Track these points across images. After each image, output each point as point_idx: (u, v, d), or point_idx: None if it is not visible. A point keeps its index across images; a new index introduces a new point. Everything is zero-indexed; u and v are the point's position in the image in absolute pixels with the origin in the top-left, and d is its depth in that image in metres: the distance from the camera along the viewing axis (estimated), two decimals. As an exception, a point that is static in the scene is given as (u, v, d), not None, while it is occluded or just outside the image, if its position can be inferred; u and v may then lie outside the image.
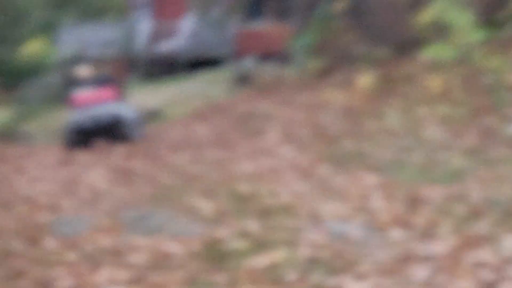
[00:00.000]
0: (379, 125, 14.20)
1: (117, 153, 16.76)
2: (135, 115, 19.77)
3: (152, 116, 30.27)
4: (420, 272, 7.06)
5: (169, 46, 39.80)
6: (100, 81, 20.34)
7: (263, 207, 9.80)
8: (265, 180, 12.27)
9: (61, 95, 38.46)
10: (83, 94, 19.37)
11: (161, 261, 8.12)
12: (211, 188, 11.52)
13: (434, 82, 14.45)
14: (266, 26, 36.77)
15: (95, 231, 9.76)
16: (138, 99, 34.65)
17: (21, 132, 32.58)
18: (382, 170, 11.37)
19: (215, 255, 8.03)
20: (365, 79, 16.46)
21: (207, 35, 38.63)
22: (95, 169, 15.30)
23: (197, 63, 38.91)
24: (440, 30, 16.87)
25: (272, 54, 33.42)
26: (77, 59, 38.07)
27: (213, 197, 10.64)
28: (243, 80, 33.87)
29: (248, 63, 37.57)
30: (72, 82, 21.71)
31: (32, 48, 47.17)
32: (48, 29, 48.90)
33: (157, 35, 40.24)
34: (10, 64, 36.45)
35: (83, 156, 17.10)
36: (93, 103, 18.79)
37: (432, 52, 14.21)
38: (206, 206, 10.14)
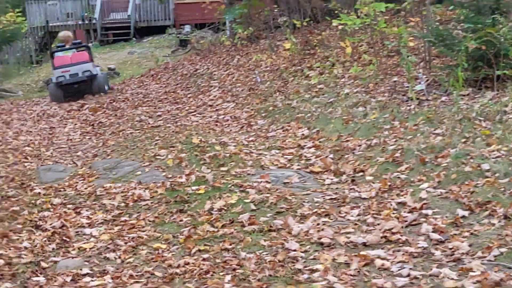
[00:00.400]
0: (303, 84, 13.87)
1: (87, 108, 16.25)
2: (104, 73, 20.57)
3: (110, 75, 30.09)
4: (351, 213, 6.85)
5: (119, 17, 39.65)
6: (76, 45, 20.66)
7: (213, 155, 9.45)
8: (212, 132, 11.93)
9: (33, 57, 38.93)
10: (62, 56, 19.47)
11: (131, 205, 7.79)
12: (169, 139, 11.13)
13: (345, 46, 14.16)
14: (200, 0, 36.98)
15: (74, 178, 9.38)
16: (97, 60, 34.63)
17: (2, 88, 32.26)
18: (310, 123, 11.06)
19: (178, 199, 7.70)
20: (287, 44, 16.11)
21: (150, 7, 38.51)
22: (69, 122, 14.83)
23: (144, 31, 39.18)
24: (348, 3, 16.66)
25: (206, 23, 33.51)
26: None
27: (171, 147, 10.22)
28: (183, 44, 33.87)
29: (186, 30, 37.62)
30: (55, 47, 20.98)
31: (8, 20, 46.61)
32: (19, 3, 48.43)
33: (109, 9, 40.13)
34: None
35: (59, 110, 16.58)
36: (72, 63, 19.01)
37: (342, 21, 13.92)
38: (166, 155, 9.76)
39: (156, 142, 11.16)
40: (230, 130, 12.09)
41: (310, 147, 9.71)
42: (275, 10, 19.65)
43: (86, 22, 39.10)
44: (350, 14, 14.60)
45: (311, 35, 17.03)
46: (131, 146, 11.17)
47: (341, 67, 14.04)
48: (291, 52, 16.08)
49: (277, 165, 9.10)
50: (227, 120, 13.02)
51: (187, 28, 38.15)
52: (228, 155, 9.46)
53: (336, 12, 16.27)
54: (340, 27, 14.89)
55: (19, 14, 49.25)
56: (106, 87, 19.40)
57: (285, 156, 9.45)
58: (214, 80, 17.14)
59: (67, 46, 20.24)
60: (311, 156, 9.29)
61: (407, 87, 11.39)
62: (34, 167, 10.26)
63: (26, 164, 10.63)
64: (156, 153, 9.98)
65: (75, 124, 14.47)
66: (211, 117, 13.59)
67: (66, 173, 9.70)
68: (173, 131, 12.29)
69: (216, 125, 12.70)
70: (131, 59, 34.60)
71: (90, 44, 39.28)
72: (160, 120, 13.74)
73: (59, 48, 20.22)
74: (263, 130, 11.54)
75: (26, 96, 29.22)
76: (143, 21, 39.28)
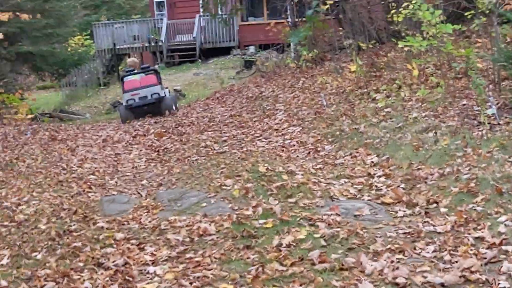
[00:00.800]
0: (369, 107, 13.43)
1: (152, 133, 15.98)
2: (172, 95, 21.38)
3: (176, 95, 29.99)
4: (427, 249, 6.42)
5: (185, 39, 39.68)
6: (144, 70, 21.05)
7: (281, 185, 9.06)
8: (279, 158, 11.54)
9: (100, 80, 39.05)
10: (131, 80, 19.98)
11: (196, 240, 7.41)
12: (234, 167, 10.77)
13: (412, 69, 13.69)
14: (263, 21, 36.64)
15: (138, 210, 9.04)
16: (164, 82, 34.51)
17: (71, 111, 32.27)
18: (379, 150, 10.59)
19: (244, 234, 7.30)
20: (353, 66, 15.68)
21: (215, 29, 38.51)
22: (134, 148, 14.55)
23: (209, 52, 38.98)
24: (414, 25, 16.16)
25: (270, 44, 33.14)
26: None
27: (237, 176, 9.85)
28: (248, 65, 33.53)
29: (251, 51, 37.36)
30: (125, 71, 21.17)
31: (77, 45, 46.92)
32: (87, 27, 48.71)
33: (174, 31, 40.28)
34: (59, 57, 36.15)
35: (125, 136, 16.33)
36: (141, 86, 19.65)
37: (408, 43, 13.45)
38: (232, 185, 9.39)
39: (222, 170, 10.82)
40: (297, 156, 11.68)
41: (380, 176, 9.25)
42: (340, 32, 19.23)
43: (153, 44, 39.08)
44: (416, 36, 14.11)
45: (377, 57, 16.56)
46: (196, 174, 10.84)
47: (408, 90, 13.53)
48: (356, 75, 15.62)
49: (346, 195, 8.67)
50: (294, 145, 12.62)
51: (252, 49, 37.87)
52: (295, 184, 9.06)
53: (401, 33, 15.80)
54: (406, 48, 14.45)
55: (87, 37, 49.70)
56: (174, 108, 19.85)
57: (354, 186, 9.00)
58: (280, 103, 16.74)
59: (134, 71, 20.60)
60: (382, 186, 8.84)
61: (477, 110, 10.85)
62: (98, 198, 9.95)
63: (90, 194, 10.34)
64: (222, 183, 9.60)
65: (140, 150, 14.18)
66: (277, 142, 13.20)
67: (130, 204, 9.37)
68: (238, 158, 11.94)
69: (283, 150, 12.31)
70: (197, 80, 34.38)
71: (156, 66, 39.53)
72: (226, 146, 13.39)
73: (128, 73, 20.53)
74: (331, 157, 11.11)
75: (93, 119, 29.22)
76: (208, 42, 39.13)
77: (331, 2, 19.06)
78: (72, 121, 29.94)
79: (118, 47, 39.43)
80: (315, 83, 17.36)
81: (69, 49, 42.60)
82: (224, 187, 9.41)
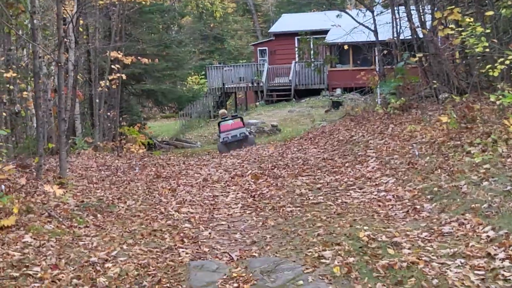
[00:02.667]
0: (465, 161, 10.51)
1: (249, 174, 13.29)
2: (251, 136, 22.73)
3: (273, 130, 27.59)
4: None
5: (282, 81, 38.81)
6: (233, 117, 22.65)
7: (388, 264, 6.30)
8: (377, 216, 8.77)
9: (211, 113, 37.27)
10: (225, 124, 21.66)
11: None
12: (331, 227, 8.04)
13: (509, 125, 10.79)
14: (349, 68, 34.56)
15: (227, 283, 6.39)
16: (263, 117, 32.27)
17: (184, 140, 30.33)
18: (491, 219, 7.67)
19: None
20: (444, 117, 12.74)
21: (308, 73, 37.32)
22: (231, 190, 11.93)
23: (302, 93, 37.75)
24: (506, 77, 13.31)
25: (355, 88, 30.96)
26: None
27: (337, 244, 7.10)
28: (335, 105, 31.06)
29: (338, 93, 34.91)
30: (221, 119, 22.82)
31: (193, 83, 45.35)
32: (201, 69, 47.10)
33: (274, 74, 39.38)
34: (178, 93, 35.25)
35: (224, 175, 13.72)
36: (232, 128, 21.27)
37: (507, 99, 10.64)
38: (331, 257, 6.66)
39: (318, 228, 8.11)
40: (395, 215, 8.86)
41: (503, 259, 6.33)
42: (433, 84, 16.36)
43: (255, 84, 37.93)
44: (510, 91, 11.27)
45: (468, 109, 13.56)
46: (291, 233, 8.15)
47: (505, 145, 10.58)
48: (448, 126, 12.69)
49: (469, 287, 5.83)
50: (390, 199, 9.79)
51: (338, 91, 35.87)
52: (405, 264, 6.28)
53: (493, 85, 12.89)
54: (497, 102, 11.61)
55: (202, 76, 48.05)
56: (253, 144, 20.96)
57: (475, 272, 6.13)
58: (371, 149, 13.88)
59: (227, 118, 22.46)
60: (510, 276, 5.95)
61: None
62: (187, 259, 7.32)
63: (181, 250, 7.75)
64: (320, 254, 6.86)
65: (237, 193, 11.52)
66: (371, 193, 10.38)
67: (219, 273, 6.68)
68: (334, 212, 9.19)
69: (379, 205, 9.49)
70: (291, 116, 32.20)
71: (257, 103, 37.53)
72: (320, 195, 10.61)
73: (223, 119, 22.33)
74: (434, 220, 8.22)
75: (202, 148, 26.97)
76: (302, 84, 37.74)
77: (421, 55, 16.22)
78: (185, 148, 27.93)
79: (226, 86, 38.53)
80: (404, 130, 14.44)
81: (186, 87, 41.34)
82: (323, 260, 6.68)
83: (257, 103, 38.33)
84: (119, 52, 20.28)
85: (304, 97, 36.77)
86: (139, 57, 21.03)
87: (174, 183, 12.73)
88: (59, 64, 11.46)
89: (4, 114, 15.90)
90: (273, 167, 13.92)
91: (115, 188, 12.07)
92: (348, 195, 10.43)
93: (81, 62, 23.92)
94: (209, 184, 12.61)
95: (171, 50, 30.62)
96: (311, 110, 32.84)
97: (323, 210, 9.41)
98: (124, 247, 7.89)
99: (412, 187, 10.18)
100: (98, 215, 9.61)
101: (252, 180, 12.54)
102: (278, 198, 10.65)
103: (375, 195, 10.22)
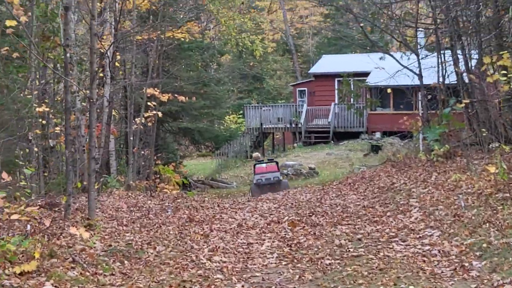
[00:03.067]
0: (517, 217, 9.83)
1: (286, 221, 12.70)
2: (285, 180, 22.78)
3: (310, 173, 27.04)
4: None
5: (321, 123, 38.27)
6: (269, 160, 23.21)
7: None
8: (422, 273, 8.12)
9: (248, 153, 36.78)
10: (260, 166, 21.80)
11: None
12: (374, 284, 7.42)
13: None
14: (390, 111, 33.91)
15: None
16: (301, 159, 31.69)
17: (220, 180, 29.84)
18: (551, 284, 7.00)
19: None
20: (492, 167, 12.03)
21: (347, 115, 36.72)
22: (267, 237, 11.36)
23: (340, 135, 36.98)
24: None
25: (395, 132, 30.25)
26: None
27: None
28: (375, 149, 30.43)
29: (377, 137, 34.25)
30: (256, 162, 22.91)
31: (231, 122, 45.06)
32: (239, 108, 46.83)
33: (312, 115, 39.00)
34: (215, 132, 34.60)
35: (259, 220, 13.17)
36: (267, 171, 21.39)
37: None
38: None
39: (360, 286, 7.50)
40: (442, 272, 8.20)
41: None
42: (481, 132, 15.68)
43: (293, 125, 37.39)
44: None
45: (516, 159, 12.89)
46: (330, 290, 7.57)
47: (561, 200, 9.90)
48: (496, 177, 11.98)
49: None
50: (435, 255, 9.13)
51: (378, 134, 35.20)
52: None
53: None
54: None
55: (240, 116, 47.74)
56: (287, 188, 20.80)
57: None
58: (413, 198, 13.21)
59: (262, 161, 23.24)
60: None
61: None
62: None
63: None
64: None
65: (273, 241, 10.94)
66: (415, 246, 9.72)
67: None
68: (376, 267, 8.58)
69: (424, 261, 8.83)
70: (329, 159, 31.59)
71: (295, 145, 37.03)
72: (361, 247, 9.98)
73: (258, 162, 22.60)
74: (485, 281, 7.56)
75: (237, 189, 26.42)
76: (340, 127, 37.10)
77: (467, 101, 15.60)
78: (220, 189, 27.43)
79: (264, 126, 37.86)
80: (448, 179, 13.75)
81: (223, 126, 41.02)
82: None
83: (295, 145, 37.81)
84: (156, 89, 19.97)
85: (343, 140, 36.11)
86: (176, 95, 20.72)
87: (207, 228, 12.18)
88: (91, 101, 11.09)
89: (35, 149, 15.54)
90: (311, 214, 13.33)
91: (146, 231, 11.57)
92: (390, 248, 9.78)
93: (118, 98, 23.70)
94: (243, 230, 12.06)
95: (209, 88, 30.30)
96: (350, 153, 32.20)
97: (364, 265, 8.80)
98: (150, 300, 7.38)
99: (459, 241, 9.51)
100: (125, 262, 9.11)
101: (289, 228, 11.96)
102: (316, 249, 10.06)
103: (419, 248, 9.56)
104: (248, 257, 9.88)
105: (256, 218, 13.39)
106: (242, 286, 8.19)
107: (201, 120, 31.38)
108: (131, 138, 18.43)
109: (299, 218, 12.84)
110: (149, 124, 20.05)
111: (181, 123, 29.80)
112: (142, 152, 19.98)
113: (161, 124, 27.75)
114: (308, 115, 38.07)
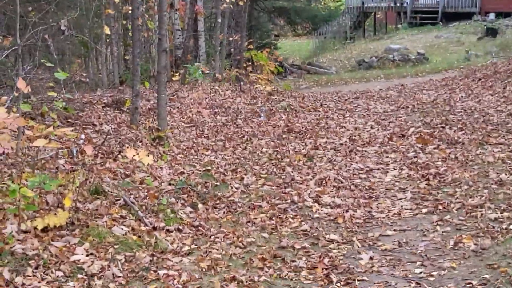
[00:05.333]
0: None
1: (412, 134, 9.53)
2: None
3: (419, 59, 23.55)
4: None
5: (428, 2, 33.35)
6: None
7: None
8: None
9: (347, 34, 33.16)
10: None
11: None
12: None
13: None
14: None
15: None
16: (406, 42, 28.03)
17: (317, 64, 26.55)
18: None
19: None
20: None
21: None
22: (390, 159, 8.29)
23: (450, 16, 32.02)
24: None
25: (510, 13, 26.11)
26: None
27: None
28: (491, 32, 26.34)
29: (491, 18, 29.91)
30: None
31: (329, 0, 41.41)
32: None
33: None
34: (313, 12, 31.46)
35: (377, 132, 10.06)
36: None
37: None
38: None
39: None
40: None
41: None
42: None
43: (398, 5, 33.17)
44: None
45: None
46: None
47: None
48: None
49: None
50: None
51: (491, 16, 30.63)
52: None
53: None
54: None
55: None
56: None
57: None
58: None
59: None
60: None
61: None
62: None
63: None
64: None
65: (400, 168, 7.83)
66: None
67: None
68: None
69: None
70: (438, 43, 27.74)
71: (399, 26, 33.18)
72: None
73: None
74: None
75: (337, 75, 23.18)
76: (450, 7, 32.72)
77: None
78: (318, 75, 24.24)
79: (365, 5, 33.83)
80: None
81: (321, 5, 37.28)
82: None
83: (399, 26, 33.76)
84: (249, -38, 16.60)
85: (452, 21, 31.80)
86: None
87: (310, 143, 9.13)
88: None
89: (107, 31, 12.61)
90: (443, 124, 10.05)
91: (231, 148, 8.65)
92: None
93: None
94: (358, 147, 8.96)
95: (309, -37, 26.66)
96: (461, 36, 28.17)
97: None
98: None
99: None
100: (199, 206, 6.22)
101: (418, 146, 8.79)
102: (466, 186, 6.89)
103: None
104: (370, 196, 6.86)
105: (371, 128, 10.26)
106: (370, 258, 5.22)
107: (298, -1, 27.98)
108: (218, 21, 15.28)
109: (428, 131, 9.60)
110: (240, 2, 16.79)
111: (276, 2, 26.47)
112: (230, 38, 16.83)
113: (255, 2, 24.46)
114: (414, -7, 33.79)
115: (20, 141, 5.59)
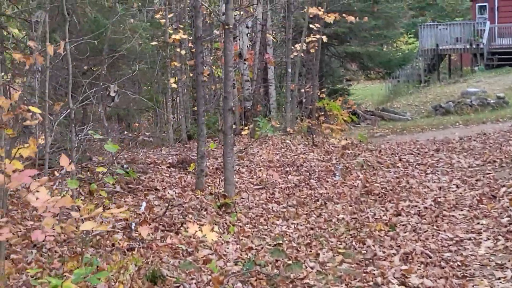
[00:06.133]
0: None
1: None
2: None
3: (499, 102, 22.34)
4: None
5: (506, 42, 31.95)
6: None
7: None
8: None
9: (421, 77, 32.04)
10: None
11: None
12: None
13: None
14: None
15: None
16: (483, 85, 26.79)
17: (392, 110, 25.52)
18: None
19: None
20: None
21: None
22: (483, 231, 7.31)
23: None
24: None
25: None
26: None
27: None
28: None
29: None
30: None
31: (401, 43, 40.44)
32: (412, 28, 41.81)
33: (496, 34, 32.61)
34: (387, 56, 30.51)
35: (465, 192, 9.09)
36: None
37: None
38: None
39: None
40: None
41: None
42: None
43: (474, 46, 31.65)
44: None
45: None
46: None
47: None
48: None
49: None
50: None
51: None
52: None
53: None
54: None
55: (411, 35, 42.84)
56: None
57: None
58: None
59: None
60: None
61: None
62: None
63: None
64: None
65: (495, 237, 6.87)
66: None
67: None
68: None
69: None
70: (518, 85, 26.42)
71: (475, 68, 31.93)
72: None
73: None
74: None
75: (413, 121, 22.16)
76: None
77: None
78: (393, 121, 23.23)
79: (440, 47, 32.51)
80: None
81: (394, 48, 36.30)
82: None
83: (475, 68, 32.47)
84: (319, 8, 15.93)
85: (533, 64, 30.40)
86: (344, 14, 16.57)
87: (391, 208, 8.25)
88: (226, 27, 7.39)
89: (174, 85, 12.11)
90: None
91: (305, 215, 7.86)
92: None
93: (277, 19, 19.90)
94: (444, 211, 8.03)
95: (380, 6, 25.71)
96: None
97: None
98: None
99: None
100: (269, 294, 5.44)
101: (513, 209, 7.82)
102: None
103: None
104: (463, 275, 5.94)
105: (457, 187, 9.30)
106: None
107: (371, 42, 27.00)
108: (289, 70, 14.61)
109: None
110: (312, 50, 16.12)
111: (348, 47, 25.63)
112: (302, 90, 16.11)
113: (326, 48, 23.78)
114: (491, 34, 32.47)
115: (65, 225, 4.96)
